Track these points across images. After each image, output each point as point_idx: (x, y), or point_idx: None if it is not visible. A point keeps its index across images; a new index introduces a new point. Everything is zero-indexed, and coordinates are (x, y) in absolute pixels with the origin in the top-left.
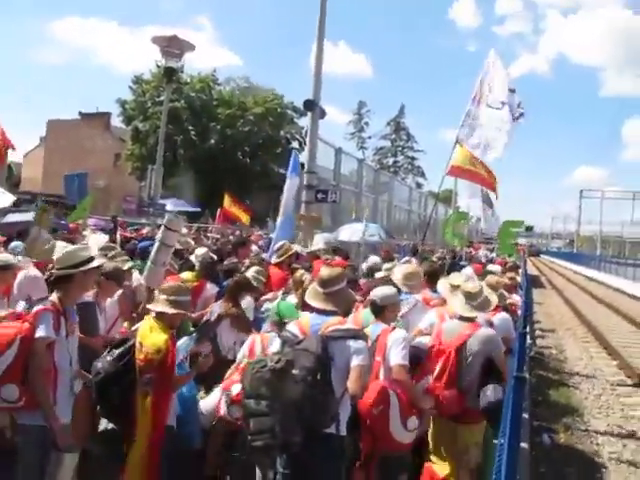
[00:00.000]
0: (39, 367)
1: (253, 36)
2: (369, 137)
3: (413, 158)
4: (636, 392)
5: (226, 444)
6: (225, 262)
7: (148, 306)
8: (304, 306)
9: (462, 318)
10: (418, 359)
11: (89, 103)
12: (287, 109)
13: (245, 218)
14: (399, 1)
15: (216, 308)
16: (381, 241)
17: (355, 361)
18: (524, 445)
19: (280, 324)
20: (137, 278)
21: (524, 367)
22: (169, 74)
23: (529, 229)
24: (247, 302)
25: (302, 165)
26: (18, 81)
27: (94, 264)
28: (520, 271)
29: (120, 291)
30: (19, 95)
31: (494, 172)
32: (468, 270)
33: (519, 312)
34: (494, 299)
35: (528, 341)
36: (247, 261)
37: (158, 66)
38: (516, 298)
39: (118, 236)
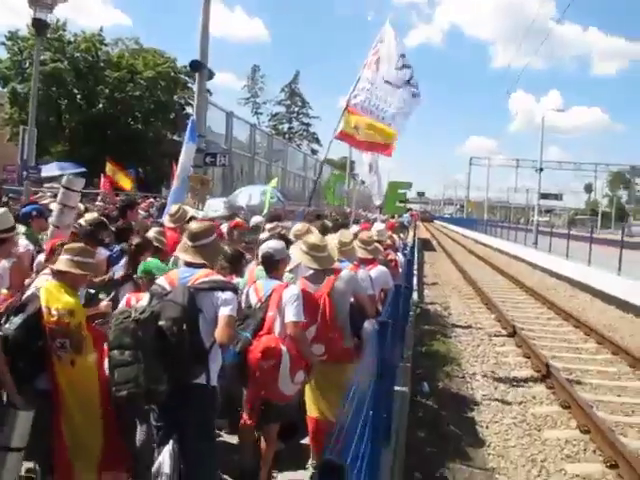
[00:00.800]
0: None
1: None
2: (264, 102)
3: (308, 124)
4: (509, 341)
5: None
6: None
7: (51, 266)
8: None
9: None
10: None
11: None
12: (180, 74)
13: (128, 185)
14: None
15: (118, 270)
16: (282, 204)
17: (223, 311)
18: (404, 390)
19: (150, 281)
20: (23, 245)
21: (400, 316)
22: (39, 27)
23: (421, 195)
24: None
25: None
26: None
27: None
28: (409, 233)
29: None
30: None
31: (393, 133)
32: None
33: (400, 270)
34: (335, 256)
35: (415, 298)
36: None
37: None
38: (399, 256)
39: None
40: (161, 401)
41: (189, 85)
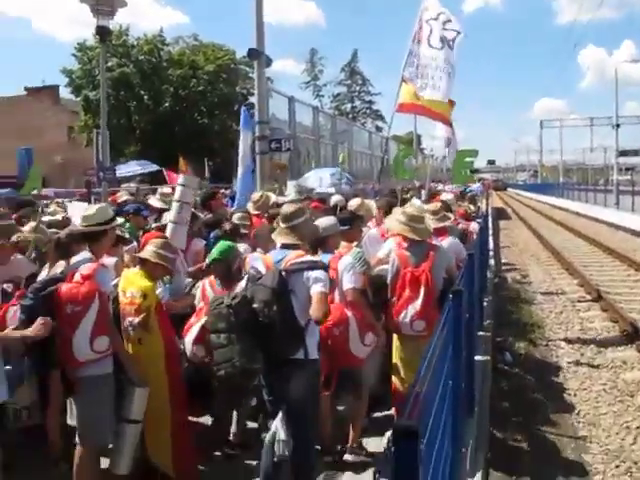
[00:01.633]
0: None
1: None
2: (324, 85)
3: (371, 102)
4: (594, 306)
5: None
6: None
7: (135, 255)
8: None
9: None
10: (383, 284)
11: (34, 77)
12: (240, 65)
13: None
14: None
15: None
16: (350, 186)
17: (314, 289)
18: (485, 359)
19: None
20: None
21: (476, 285)
22: (102, 34)
23: (491, 163)
24: (244, 248)
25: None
26: None
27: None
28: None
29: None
30: None
31: (448, 104)
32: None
33: (475, 236)
34: (430, 228)
35: (492, 266)
36: (230, 210)
37: None
38: (474, 226)
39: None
40: (257, 378)
41: (250, 75)
